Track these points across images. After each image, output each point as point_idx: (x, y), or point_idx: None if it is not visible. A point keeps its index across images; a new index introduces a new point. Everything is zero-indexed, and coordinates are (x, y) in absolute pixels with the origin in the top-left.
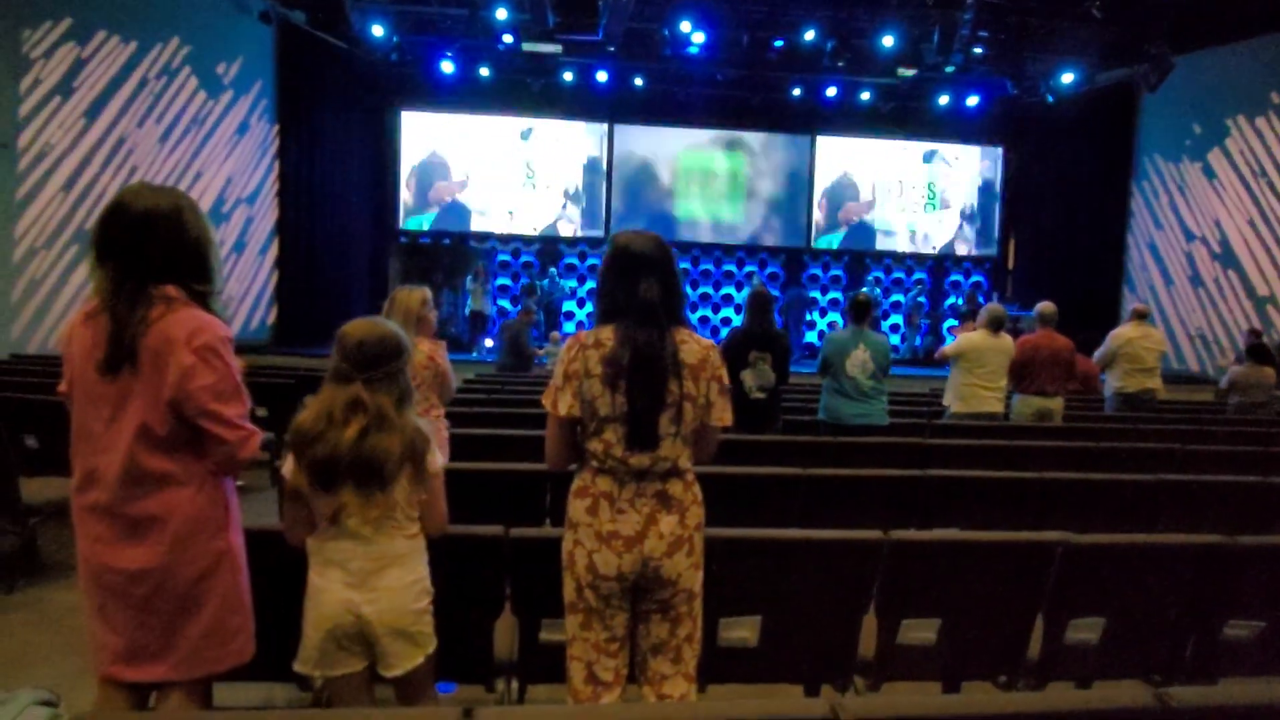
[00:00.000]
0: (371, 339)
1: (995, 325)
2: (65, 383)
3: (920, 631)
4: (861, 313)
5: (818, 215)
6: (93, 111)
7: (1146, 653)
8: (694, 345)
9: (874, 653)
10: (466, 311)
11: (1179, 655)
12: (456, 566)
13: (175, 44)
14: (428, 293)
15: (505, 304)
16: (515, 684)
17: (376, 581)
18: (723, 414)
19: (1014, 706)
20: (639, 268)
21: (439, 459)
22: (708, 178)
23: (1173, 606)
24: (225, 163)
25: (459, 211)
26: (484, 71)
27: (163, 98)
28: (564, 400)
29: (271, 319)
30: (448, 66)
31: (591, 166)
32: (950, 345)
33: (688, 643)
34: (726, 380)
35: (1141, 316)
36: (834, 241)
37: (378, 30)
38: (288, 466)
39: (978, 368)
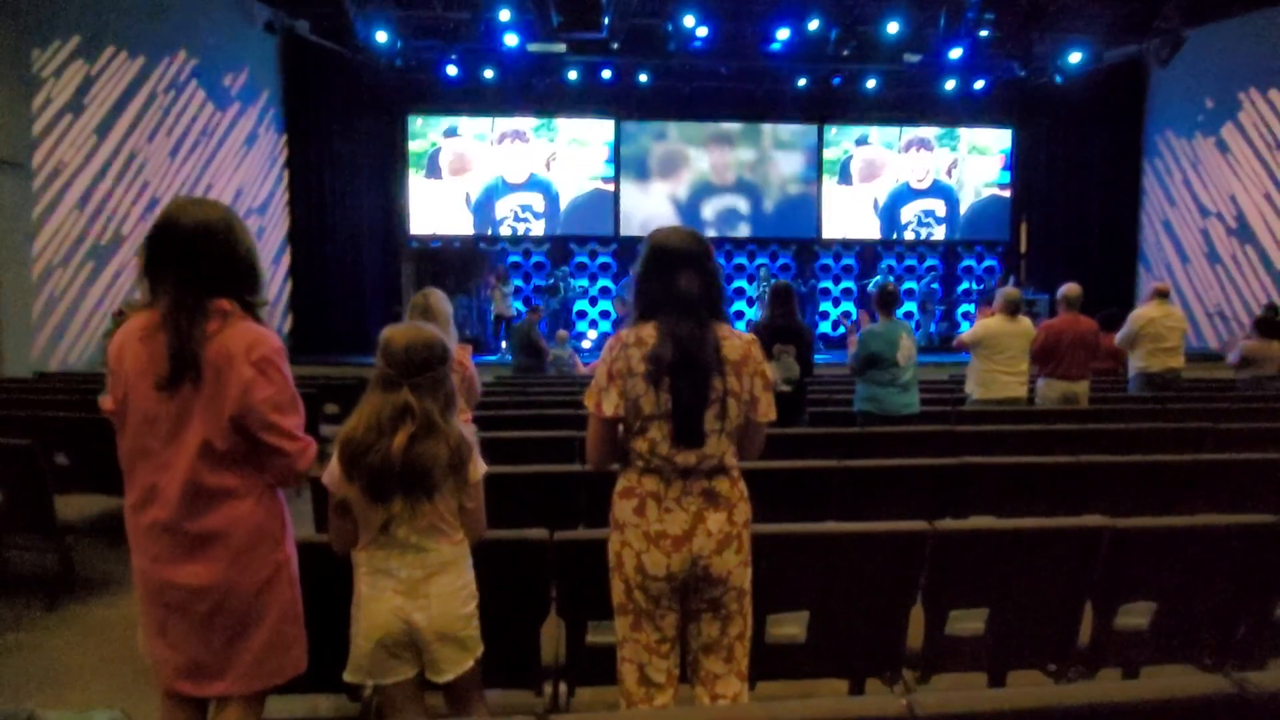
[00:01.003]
0: (418, 344)
1: (1012, 309)
2: (113, 400)
3: (968, 622)
4: (893, 302)
5: (826, 205)
6: (103, 128)
7: (1197, 637)
8: (736, 340)
9: (922, 645)
10: (490, 315)
11: (1229, 638)
12: (502, 570)
13: (182, 57)
14: None
15: (519, 305)
16: (564, 687)
17: (426, 588)
18: (768, 409)
19: (1089, 698)
20: (678, 263)
21: (481, 466)
22: (716, 171)
23: (1223, 589)
24: (235, 174)
25: (469, 214)
26: (489, 74)
27: (171, 111)
28: (609, 400)
29: (288, 327)
30: (452, 70)
31: (599, 164)
32: (967, 332)
33: (739, 641)
34: (770, 375)
35: (1162, 295)
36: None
37: (382, 36)
38: (331, 478)
39: (997, 353)
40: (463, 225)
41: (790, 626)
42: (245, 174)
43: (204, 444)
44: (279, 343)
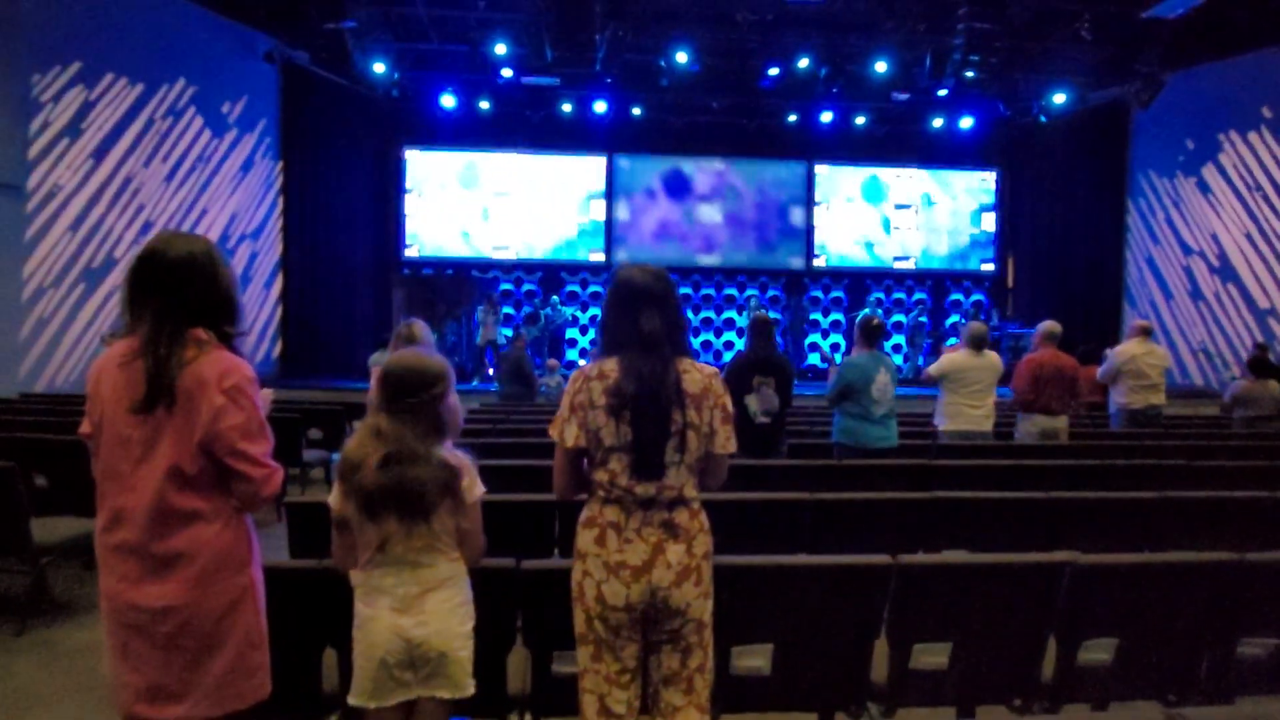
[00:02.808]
0: (399, 370)
1: (977, 344)
2: (89, 424)
3: (932, 656)
4: (876, 335)
5: (817, 238)
6: (100, 152)
7: (1161, 672)
8: (696, 374)
9: (886, 678)
10: (478, 340)
11: (1194, 674)
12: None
13: (181, 85)
14: None
15: (508, 332)
16: (529, 717)
17: (422, 604)
18: (726, 442)
19: None
20: (641, 300)
21: (479, 488)
22: (707, 204)
23: (1186, 625)
24: (230, 199)
25: (461, 241)
26: (484, 105)
27: (169, 137)
28: (570, 431)
29: (277, 352)
30: (448, 101)
31: (592, 196)
32: (934, 366)
33: (699, 673)
34: (730, 408)
35: (1145, 333)
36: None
37: (379, 68)
38: (334, 495)
39: (963, 386)
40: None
41: (755, 659)
42: (240, 200)
43: (173, 467)
44: (251, 372)
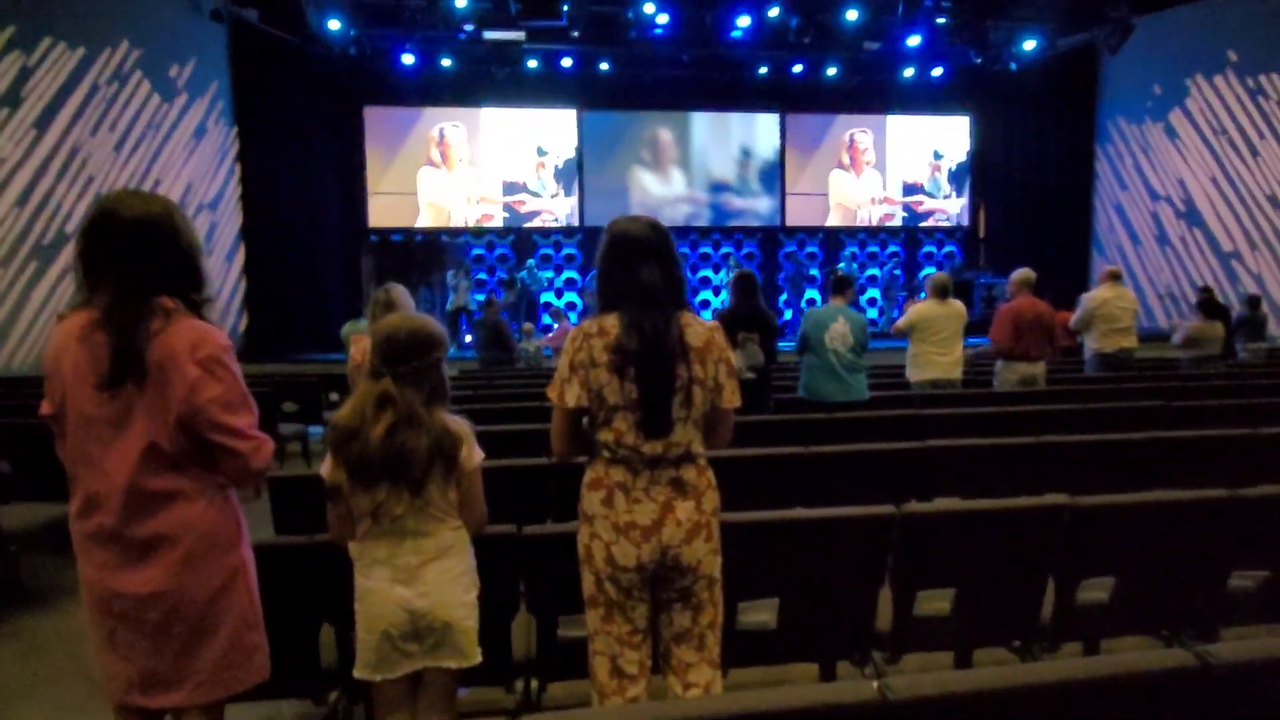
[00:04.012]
0: (401, 334)
1: (941, 293)
2: (50, 404)
3: (935, 602)
4: (840, 287)
5: (790, 192)
6: (43, 121)
7: (1156, 608)
8: (698, 328)
9: (891, 626)
10: (448, 307)
11: (1186, 609)
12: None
13: (125, 48)
14: None
15: (479, 298)
16: (535, 683)
17: (424, 575)
18: (731, 396)
19: (1058, 674)
20: (638, 253)
21: (477, 454)
22: (678, 161)
23: (1180, 561)
24: (184, 168)
25: (430, 206)
26: (446, 63)
27: (115, 104)
28: (571, 391)
29: (243, 326)
30: (408, 59)
31: (561, 154)
32: (902, 319)
33: (710, 629)
34: (734, 362)
35: (1114, 278)
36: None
37: (334, 25)
38: (326, 465)
39: (931, 336)
40: (425, 217)
41: (760, 613)
42: (195, 168)
43: (149, 446)
44: (226, 340)
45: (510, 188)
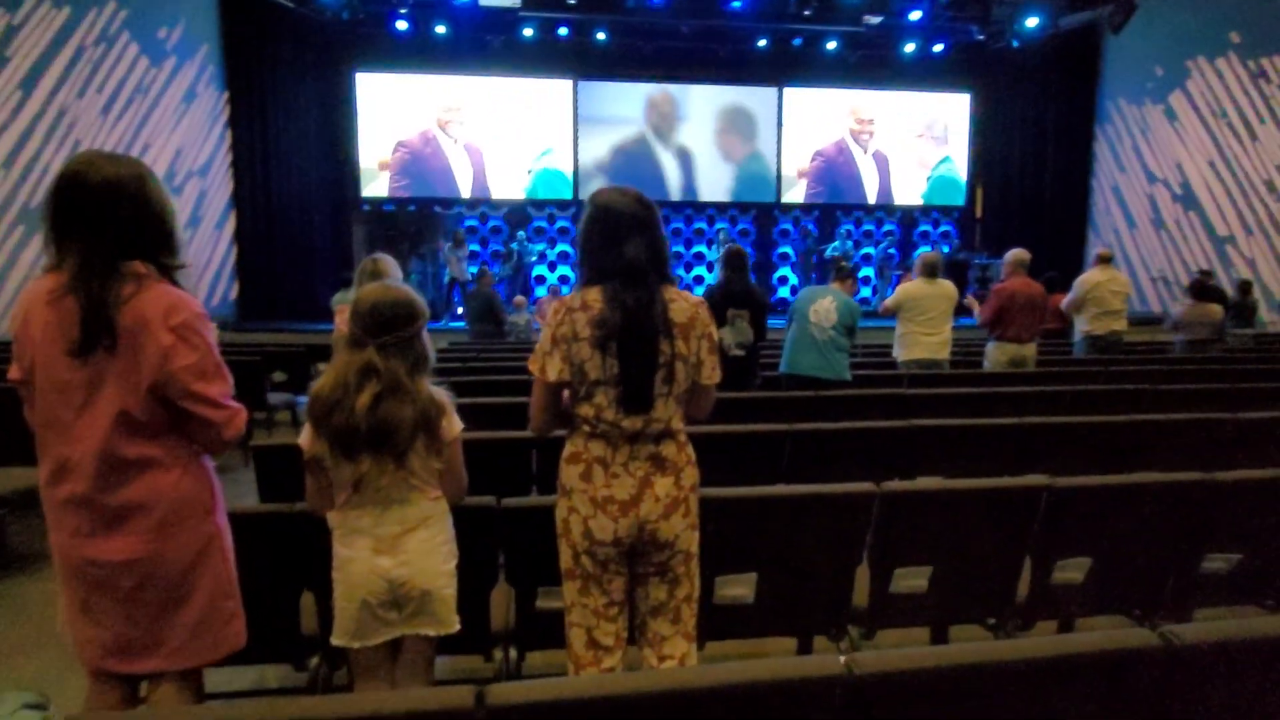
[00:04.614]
0: (384, 304)
1: (929, 272)
2: (19, 369)
3: (912, 579)
4: (841, 276)
5: (787, 168)
6: (28, 83)
7: (1130, 589)
8: (683, 303)
9: (867, 602)
10: (445, 279)
11: (1159, 590)
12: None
13: (112, 8)
14: None
15: (474, 270)
16: (514, 653)
17: (404, 544)
18: (712, 373)
19: (1021, 653)
20: (623, 227)
21: (457, 425)
22: (675, 133)
23: (1155, 543)
24: (174, 133)
25: (423, 176)
26: (440, 29)
27: (102, 66)
28: (553, 365)
29: (234, 294)
30: (402, 25)
31: (557, 125)
32: (890, 298)
33: (686, 603)
34: (716, 338)
35: (1106, 261)
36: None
37: None
38: (305, 436)
39: (918, 316)
40: (417, 188)
41: (738, 588)
42: (185, 133)
43: (120, 414)
44: (200, 307)
45: (505, 157)
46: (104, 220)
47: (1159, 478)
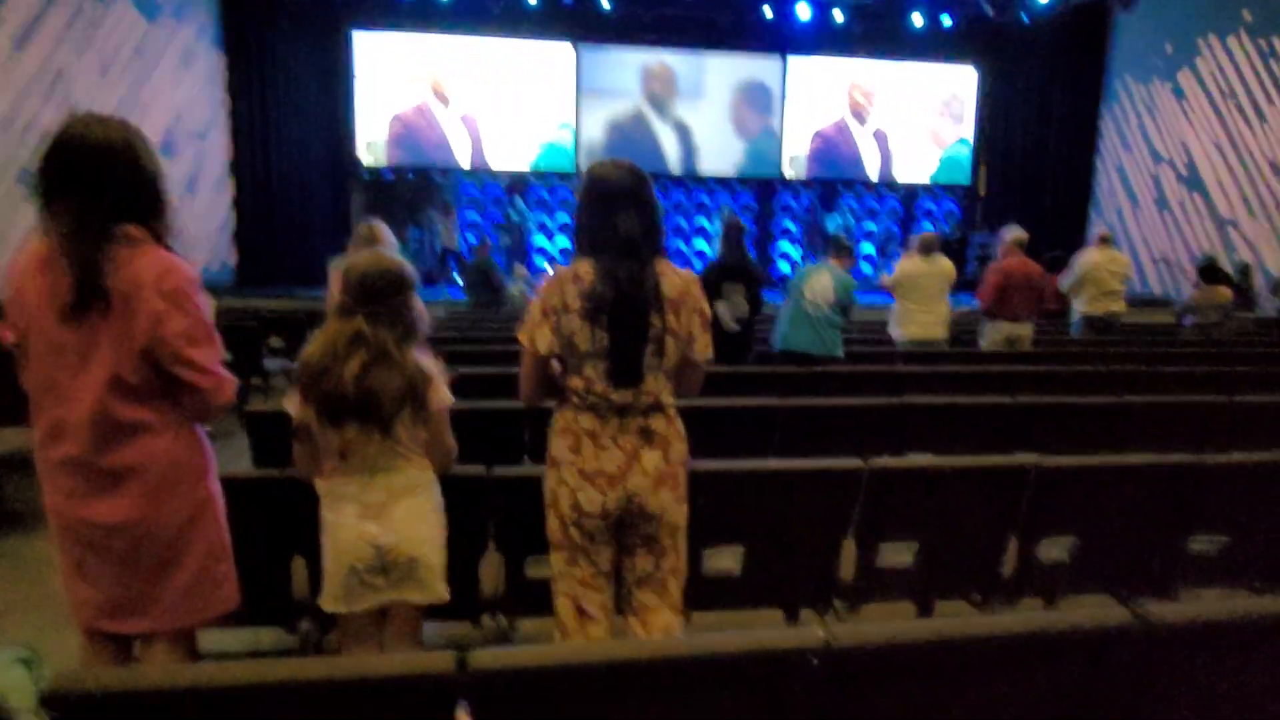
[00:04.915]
0: (374, 272)
1: (926, 249)
2: (14, 332)
3: (898, 555)
4: (839, 252)
5: (789, 141)
6: (22, 40)
7: (1114, 568)
8: (674, 278)
9: (853, 576)
10: (437, 249)
11: (1145, 570)
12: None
13: None
14: None
15: (470, 238)
16: (503, 619)
17: (391, 512)
18: (705, 348)
19: (998, 629)
20: (616, 199)
21: (445, 395)
22: (676, 103)
23: (1141, 524)
24: (172, 96)
25: (420, 148)
26: None
27: (99, 26)
28: (542, 336)
29: (233, 260)
30: None
31: (558, 92)
32: (887, 275)
33: (673, 575)
34: (708, 313)
35: (1106, 241)
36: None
37: None
38: (293, 402)
39: (915, 294)
40: (416, 155)
41: (725, 560)
42: (183, 96)
43: (113, 377)
44: (193, 273)
45: (504, 125)
46: (95, 183)
47: (1146, 459)
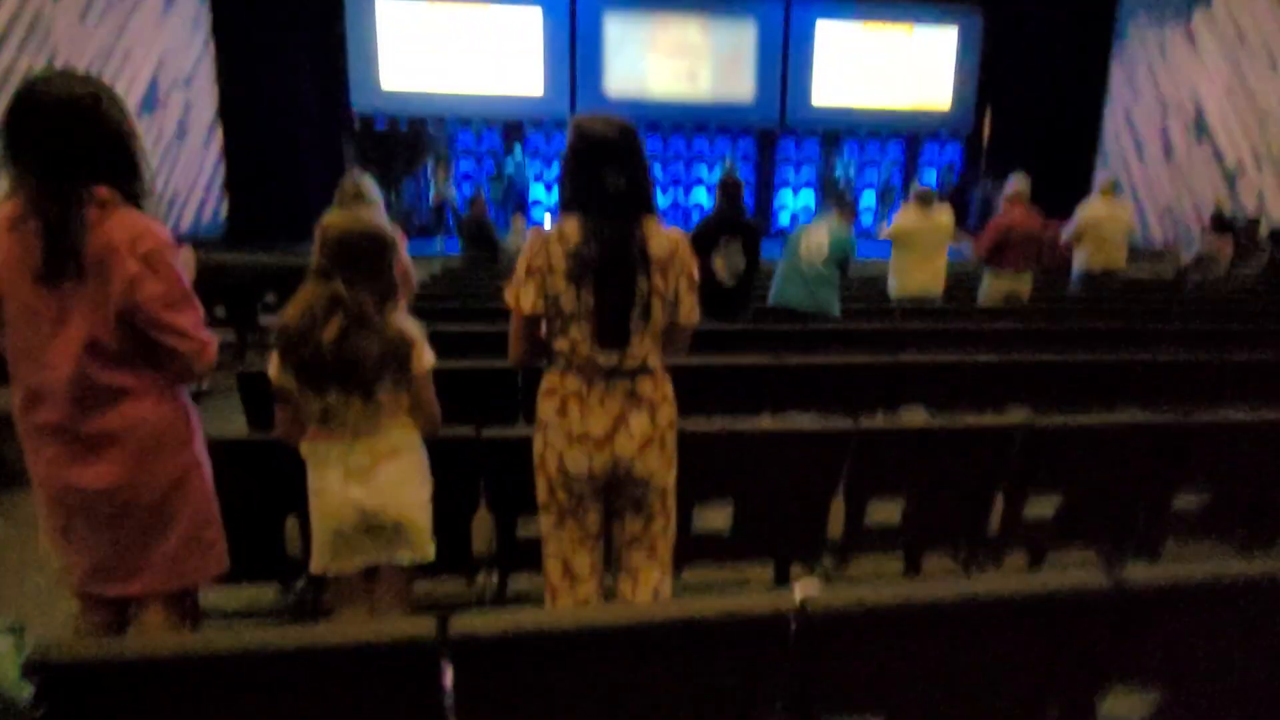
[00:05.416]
0: (353, 234)
1: (923, 202)
2: None
3: (885, 512)
4: (838, 205)
5: (790, 90)
6: None
7: (1099, 526)
8: (663, 238)
9: (841, 533)
10: (430, 201)
11: (1129, 527)
12: (431, 466)
13: None
14: None
15: (467, 190)
16: (495, 577)
17: (375, 475)
18: (690, 312)
19: (973, 593)
20: (603, 156)
21: (428, 358)
22: (678, 52)
23: (1127, 482)
24: (155, 42)
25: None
26: None
27: None
28: (527, 296)
29: (224, 213)
30: None
31: (554, 40)
32: (885, 229)
33: (662, 536)
34: (696, 275)
35: (1109, 192)
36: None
37: None
38: (272, 366)
39: (913, 248)
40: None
41: (715, 518)
42: (167, 42)
43: (91, 342)
44: (168, 235)
45: (501, 74)
46: (58, 142)
47: (1134, 418)
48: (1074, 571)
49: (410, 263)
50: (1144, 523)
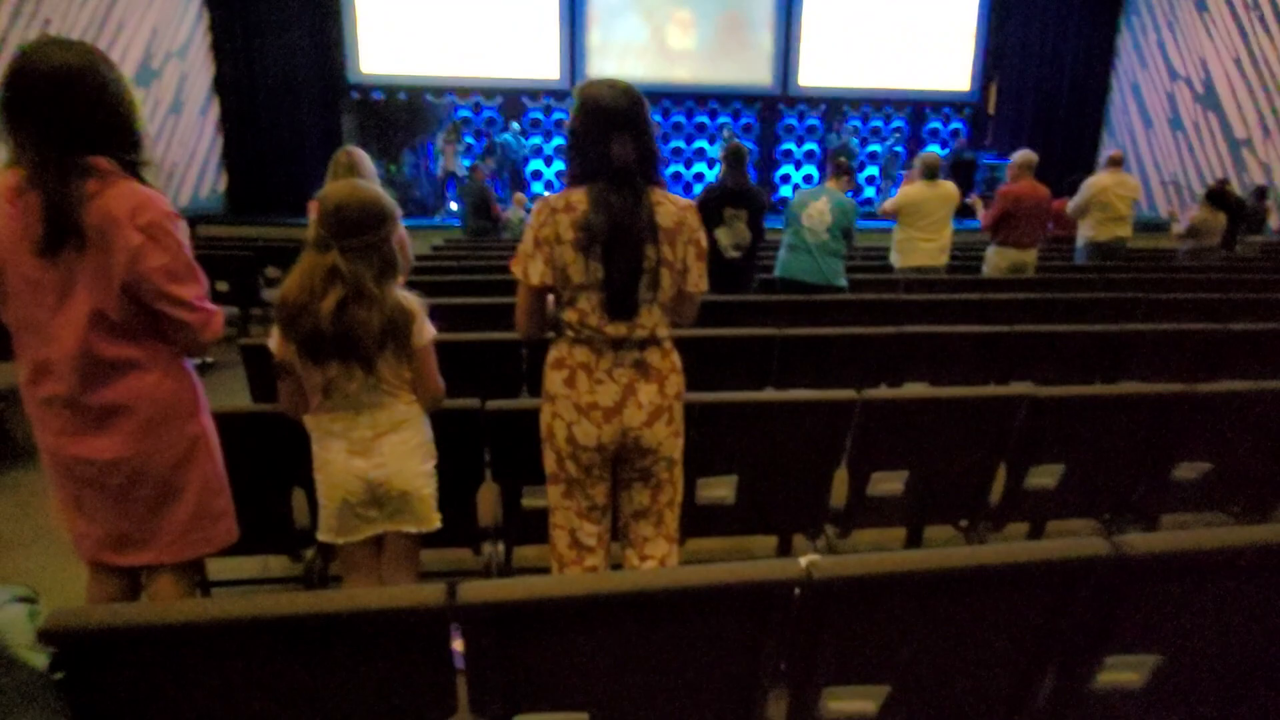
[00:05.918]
0: (351, 204)
1: (929, 173)
2: None
3: (889, 483)
4: (837, 173)
5: (793, 60)
6: None
7: (1100, 495)
8: (670, 207)
9: (845, 504)
10: (437, 172)
11: (1129, 496)
12: (436, 438)
13: None
14: None
15: (469, 163)
16: (501, 547)
17: (379, 447)
18: (699, 280)
19: (975, 560)
20: (610, 124)
21: (428, 331)
22: (674, 22)
23: (1128, 452)
24: (148, 10)
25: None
26: None
27: None
28: (535, 268)
29: (222, 186)
30: None
31: (552, 11)
32: (890, 200)
33: (669, 507)
34: (704, 244)
35: (1117, 164)
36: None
37: None
38: (274, 340)
39: (918, 220)
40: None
41: (720, 489)
42: (160, 11)
43: (95, 314)
44: (169, 206)
45: (498, 46)
46: (54, 112)
47: (1136, 389)
48: (1074, 539)
49: (407, 237)
50: (1143, 493)
